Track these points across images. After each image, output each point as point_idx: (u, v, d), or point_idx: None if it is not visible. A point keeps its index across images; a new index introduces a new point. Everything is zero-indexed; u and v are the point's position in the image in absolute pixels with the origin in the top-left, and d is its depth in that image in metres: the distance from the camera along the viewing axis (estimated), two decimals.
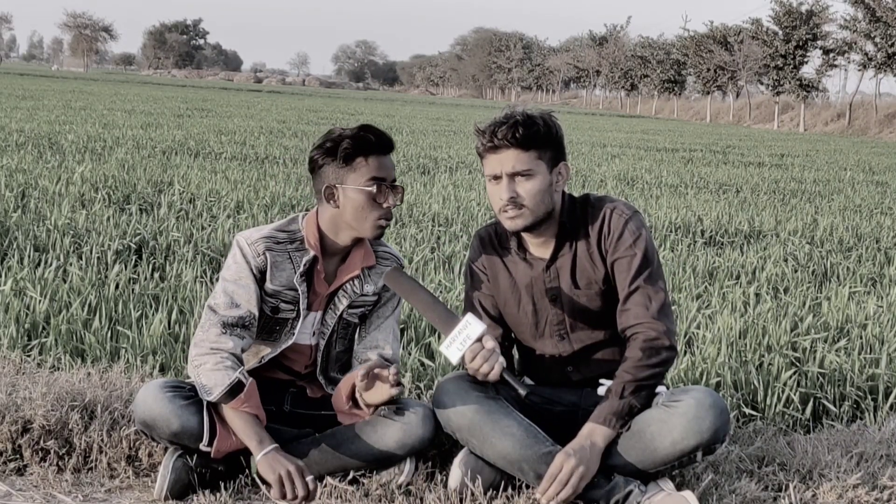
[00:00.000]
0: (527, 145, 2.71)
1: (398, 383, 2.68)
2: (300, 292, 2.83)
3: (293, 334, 2.88)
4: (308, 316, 2.89)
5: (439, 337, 4.10)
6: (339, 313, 2.89)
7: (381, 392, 2.71)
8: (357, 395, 2.74)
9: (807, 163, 18.42)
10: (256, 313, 2.80)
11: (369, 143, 2.78)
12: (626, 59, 75.38)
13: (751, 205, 10.19)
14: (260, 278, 2.81)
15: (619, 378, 2.71)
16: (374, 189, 2.77)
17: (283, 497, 2.62)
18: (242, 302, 2.78)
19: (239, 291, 2.79)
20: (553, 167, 2.77)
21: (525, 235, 2.85)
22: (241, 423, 2.69)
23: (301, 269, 2.83)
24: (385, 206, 2.79)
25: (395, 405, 2.78)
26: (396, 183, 2.84)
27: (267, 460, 2.65)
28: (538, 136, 2.72)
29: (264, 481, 2.73)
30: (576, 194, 2.92)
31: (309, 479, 2.64)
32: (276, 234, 2.85)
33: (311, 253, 2.83)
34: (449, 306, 3.68)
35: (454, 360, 2.62)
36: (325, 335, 2.91)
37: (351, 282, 2.89)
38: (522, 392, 2.62)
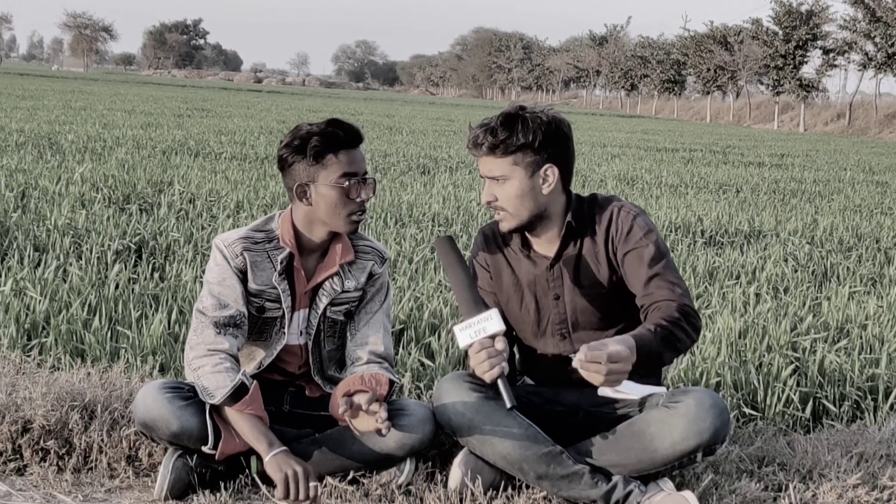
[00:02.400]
0: (503, 151, 2.72)
1: (382, 420, 2.65)
2: (280, 291, 2.83)
3: (284, 334, 2.87)
4: (294, 315, 2.88)
5: (439, 336, 4.10)
6: (320, 311, 2.89)
7: (369, 422, 2.69)
8: (348, 422, 2.72)
9: (807, 163, 18.42)
10: (245, 311, 2.80)
11: (338, 138, 2.77)
12: (626, 59, 75.35)
13: (751, 205, 10.19)
14: (242, 278, 2.81)
15: (652, 320, 2.56)
16: (346, 185, 2.76)
17: (287, 497, 2.62)
18: (230, 301, 2.78)
19: (225, 292, 2.78)
20: (535, 171, 2.75)
21: (527, 233, 2.85)
22: (248, 426, 2.69)
23: (279, 267, 2.82)
24: (358, 200, 2.79)
25: (395, 408, 2.77)
26: (368, 176, 2.83)
27: (276, 461, 2.64)
28: (513, 143, 2.71)
29: (265, 481, 2.73)
30: (583, 194, 2.91)
31: (313, 483, 2.63)
32: (252, 235, 2.84)
33: (287, 250, 2.83)
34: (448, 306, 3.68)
35: (462, 344, 2.58)
36: (312, 334, 2.91)
37: (330, 279, 2.88)
38: (508, 405, 2.53)
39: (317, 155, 2.75)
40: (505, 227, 2.79)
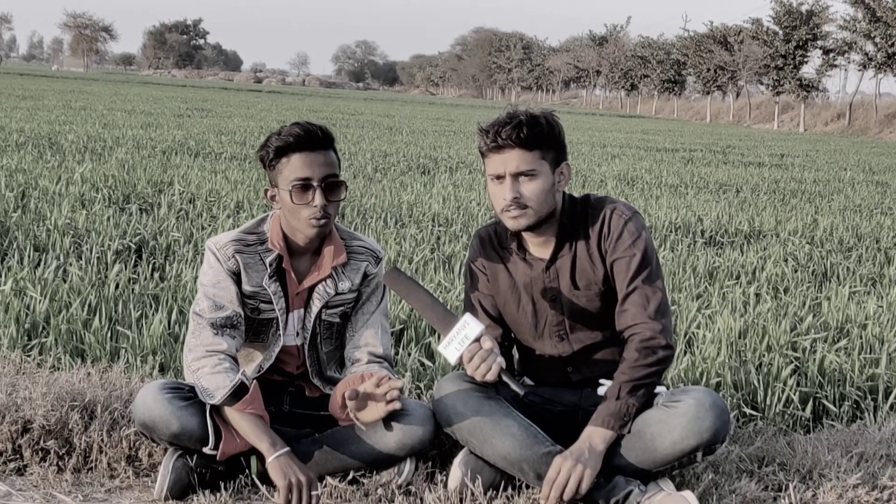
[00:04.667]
0: (531, 145, 2.70)
1: (393, 399, 2.68)
2: (271, 293, 2.82)
3: (280, 336, 2.86)
4: (289, 315, 2.88)
5: (439, 337, 4.10)
6: (314, 314, 2.88)
7: (375, 411, 2.70)
8: (351, 414, 2.73)
9: (807, 163, 18.42)
10: (241, 312, 2.80)
11: (289, 143, 2.74)
12: (626, 59, 75.36)
13: (751, 205, 10.19)
14: (236, 280, 2.81)
15: (616, 379, 2.71)
16: (294, 190, 2.73)
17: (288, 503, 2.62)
18: (226, 303, 2.77)
19: (220, 293, 2.78)
20: (555, 167, 2.77)
21: (525, 235, 2.85)
22: (249, 426, 2.69)
23: (269, 269, 2.82)
24: (313, 206, 2.74)
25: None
26: (336, 178, 2.77)
27: (279, 464, 2.64)
28: (542, 136, 2.72)
29: (265, 482, 2.73)
30: (576, 194, 2.92)
31: (315, 493, 2.63)
32: (244, 237, 2.83)
33: (275, 252, 2.82)
34: (449, 306, 3.68)
35: (452, 360, 2.62)
36: (308, 336, 2.90)
37: (323, 282, 2.87)
38: (520, 392, 2.62)
39: (271, 160, 2.76)
40: (522, 224, 2.75)
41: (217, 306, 2.77)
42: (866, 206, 10.74)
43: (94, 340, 3.83)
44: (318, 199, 2.74)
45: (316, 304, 2.87)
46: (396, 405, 2.69)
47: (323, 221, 2.76)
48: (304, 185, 2.73)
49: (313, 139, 2.75)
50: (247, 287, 2.81)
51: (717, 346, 4.13)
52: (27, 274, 4.61)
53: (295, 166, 2.73)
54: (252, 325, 2.86)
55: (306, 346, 2.91)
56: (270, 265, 2.81)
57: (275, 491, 2.70)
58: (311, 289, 2.88)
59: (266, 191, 2.82)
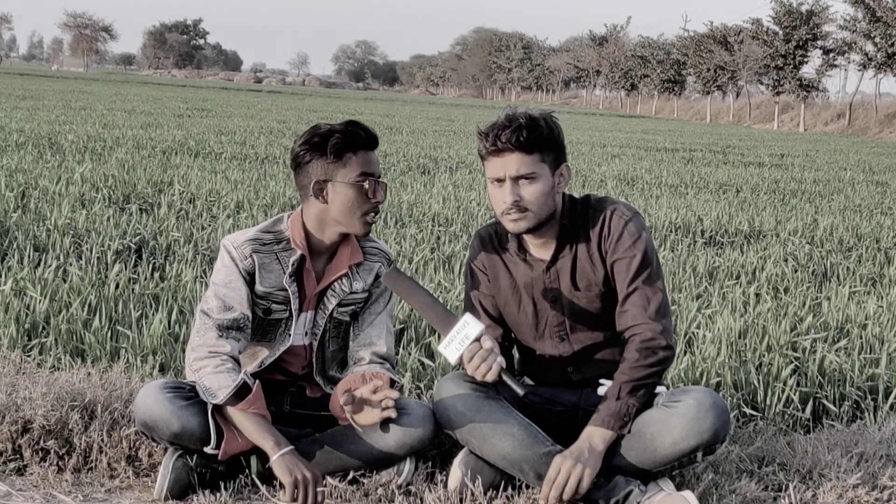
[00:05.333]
0: (530, 148, 2.70)
1: (388, 407, 2.70)
2: (290, 293, 2.83)
3: (289, 335, 2.87)
4: (300, 316, 2.88)
5: (439, 337, 4.10)
6: (328, 312, 2.89)
7: (372, 415, 2.73)
8: (348, 417, 2.74)
9: (807, 163, 18.42)
10: (250, 315, 2.80)
11: (359, 138, 2.79)
12: (626, 59, 75.36)
13: (751, 205, 10.19)
14: (249, 280, 2.81)
15: (616, 380, 2.71)
16: (365, 184, 2.77)
17: (294, 501, 2.61)
18: (235, 304, 2.78)
19: (231, 294, 2.78)
20: (555, 169, 2.77)
21: (526, 237, 2.85)
22: (252, 425, 2.68)
23: (289, 269, 2.82)
24: (374, 200, 2.80)
25: (396, 408, 2.78)
26: (381, 179, 2.84)
27: (284, 462, 2.64)
28: (542, 139, 2.72)
29: (264, 482, 2.73)
30: (576, 195, 2.92)
31: (321, 489, 2.64)
32: (261, 236, 2.84)
33: (298, 252, 2.83)
34: (449, 306, 3.69)
35: (452, 359, 2.62)
36: (318, 335, 2.91)
37: (339, 280, 2.88)
38: (520, 392, 2.62)
39: (337, 152, 2.76)
40: (522, 227, 2.75)
41: (226, 307, 2.77)
42: (866, 206, 10.74)
43: (94, 340, 3.83)
44: (381, 194, 2.80)
45: (331, 302, 2.89)
46: (391, 413, 2.71)
47: (376, 218, 2.85)
48: (371, 181, 2.79)
49: (375, 139, 2.84)
50: (260, 288, 2.82)
51: (717, 346, 4.13)
52: (27, 274, 4.61)
53: (362, 161, 2.79)
54: (261, 326, 2.87)
55: (314, 345, 2.91)
56: (292, 265, 2.82)
57: (275, 491, 2.71)
58: (324, 289, 2.89)
59: (316, 183, 2.78)
